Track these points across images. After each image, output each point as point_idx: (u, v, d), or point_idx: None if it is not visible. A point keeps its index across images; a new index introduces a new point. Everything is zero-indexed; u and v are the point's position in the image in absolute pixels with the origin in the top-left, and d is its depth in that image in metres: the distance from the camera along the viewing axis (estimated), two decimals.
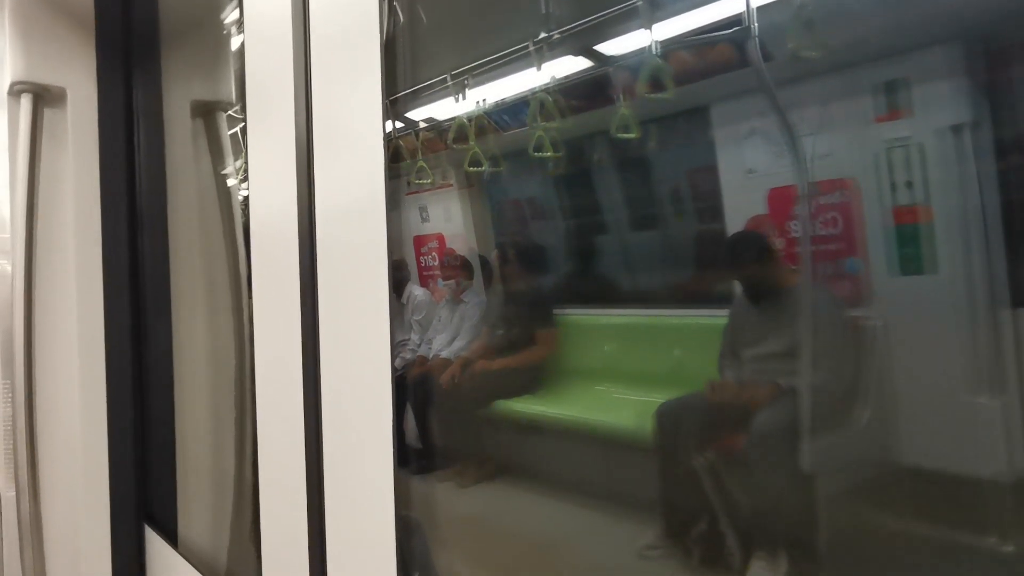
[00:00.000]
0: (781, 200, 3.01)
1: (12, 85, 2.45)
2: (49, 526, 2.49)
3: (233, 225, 2.61)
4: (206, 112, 2.70)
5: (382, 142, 1.29)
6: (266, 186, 1.68)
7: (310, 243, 1.48)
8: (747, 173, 3.20)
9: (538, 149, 4.03)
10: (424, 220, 5.77)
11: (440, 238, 5.73)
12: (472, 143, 4.41)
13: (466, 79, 4.25)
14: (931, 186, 2.48)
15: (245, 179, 1.75)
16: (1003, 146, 2.34)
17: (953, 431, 2.35)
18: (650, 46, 3.16)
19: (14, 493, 2.45)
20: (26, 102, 2.42)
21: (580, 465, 3.68)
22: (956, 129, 2.38)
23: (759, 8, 2.77)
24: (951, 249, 2.43)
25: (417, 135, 4.92)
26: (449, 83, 4.26)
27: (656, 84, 3.22)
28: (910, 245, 2.52)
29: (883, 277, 2.66)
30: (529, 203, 5.30)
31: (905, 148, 2.50)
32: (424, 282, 5.89)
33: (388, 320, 1.29)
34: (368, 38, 1.31)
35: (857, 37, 2.63)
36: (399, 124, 4.82)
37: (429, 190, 5.49)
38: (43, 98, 2.47)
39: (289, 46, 1.51)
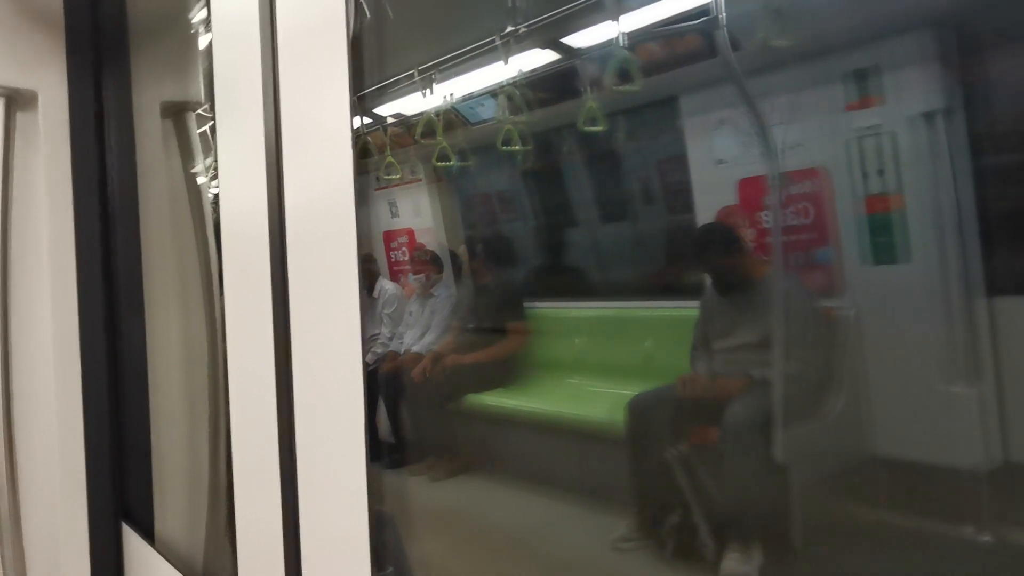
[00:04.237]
0: (751, 190, 3.02)
1: None
2: (28, 524, 2.51)
3: (204, 224, 2.64)
4: (176, 112, 2.72)
5: (350, 138, 1.28)
6: (236, 184, 1.67)
7: (280, 239, 1.47)
8: (717, 163, 3.20)
9: (506, 143, 4.01)
10: (394, 215, 5.75)
11: (410, 233, 5.72)
12: (440, 138, 4.39)
13: (433, 74, 4.23)
14: (903, 174, 2.49)
15: (215, 177, 1.75)
16: (977, 133, 2.35)
17: (928, 420, 2.36)
18: (617, 38, 3.15)
19: None
20: None
21: (553, 458, 3.67)
22: (928, 116, 2.38)
23: None
24: (924, 238, 2.44)
25: (385, 131, 4.91)
26: (416, 78, 4.24)
27: (624, 76, 3.20)
28: (883, 234, 2.52)
29: (855, 267, 2.67)
30: (498, 197, 5.29)
31: (877, 136, 2.51)
32: (394, 277, 5.87)
33: (358, 315, 1.28)
34: (335, 35, 1.30)
35: (827, 24, 2.63)
36: (367, 120, 4.81)
37: (398, 185, 5.47)
38: (15, 101, 2.48)
39: (257, 44, 1.50)
